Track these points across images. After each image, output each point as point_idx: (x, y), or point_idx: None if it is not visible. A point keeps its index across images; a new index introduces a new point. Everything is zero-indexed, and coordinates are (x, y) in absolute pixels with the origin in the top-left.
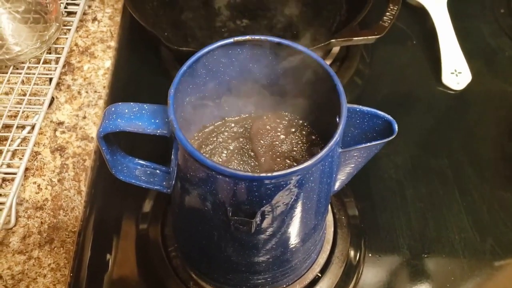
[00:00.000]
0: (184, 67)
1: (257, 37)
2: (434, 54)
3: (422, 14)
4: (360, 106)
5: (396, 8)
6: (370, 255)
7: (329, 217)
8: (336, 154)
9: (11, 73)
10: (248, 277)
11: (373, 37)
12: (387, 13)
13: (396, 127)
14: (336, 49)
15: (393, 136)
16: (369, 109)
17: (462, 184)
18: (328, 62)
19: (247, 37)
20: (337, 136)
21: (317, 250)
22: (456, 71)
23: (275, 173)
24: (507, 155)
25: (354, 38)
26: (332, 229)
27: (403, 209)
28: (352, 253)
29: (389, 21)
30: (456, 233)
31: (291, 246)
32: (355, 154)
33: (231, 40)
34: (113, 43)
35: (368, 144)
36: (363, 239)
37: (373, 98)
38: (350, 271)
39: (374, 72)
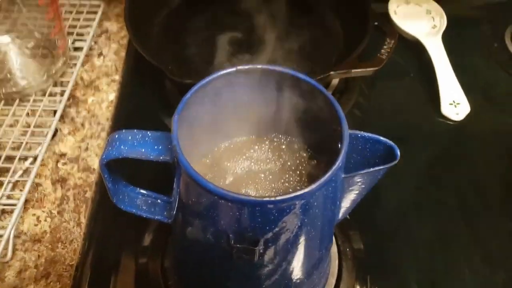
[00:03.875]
0: (188, 94)
1: (259, 66)
2: (432, 86)
3: (419, 48)
4: (362, 132)
5: (393, 42)
6: None
7: (334, 249)
8: (340, 180)
9: (17, 106)
10: None
11: (371, 69)
12: (385, 46)
13: (398, 152)
14: (335, 82)
15: (396, 162)
16: (370, 134)
17: (468, 215)
18: None
19: (249, 66)
20: (339, 161)
21: (322, 284)
22: (454, 102)
23: (278, 198)
24: (509, 186)
25: (352, 70)
26: (337, 262)
27: (409, 242)
28: (358, 287)
29: (386, 54)
30: (465, 266)
31: (296, 279)
32: (358, 180)
33: (234, 69)
34: (117, 77)
35: (371, 169)
36: (368, 273)
37: (373, 129)
38: None
39: (373, 104)
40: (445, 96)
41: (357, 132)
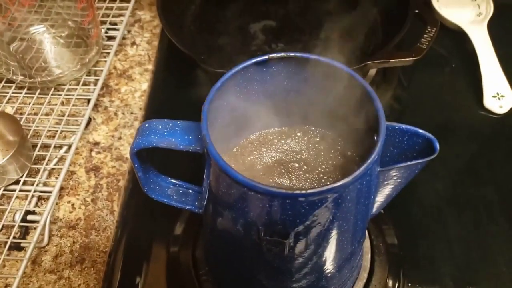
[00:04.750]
0: (219, 83)
1: (292, 54)
2: (474, 77)
3: (461, 37)
4: (399, 124)
5: (434, 30)
6: (409, 284)
7: (367, 243)
8: (375, 173)
9: (52, 95)
10: None
11: (411, 59)
12: (425, 35)
13: (437, 145)
14: (372, 72)
15: (435, 155)
16: (408, 127)
17: (507, 212)
18: None
19: (282, 54)
20: (375, 154)
21: (354, 278)
22: (498, 94)
23: (310, 191)
24: None
25: (391, 60)
26: (369, 255)
27: (445, 238)
28: (390, 282)
29: (427, 43)
30: (503, 264)
31: (327, 272)
32: (394, 174)
33: (266, 57)
34: (150, 66)
35: (408, 163)
36: (402, 268)
37: (412, 122)
38: None
39: (412, 96)
40: (489, 88)
41: (395, 124)
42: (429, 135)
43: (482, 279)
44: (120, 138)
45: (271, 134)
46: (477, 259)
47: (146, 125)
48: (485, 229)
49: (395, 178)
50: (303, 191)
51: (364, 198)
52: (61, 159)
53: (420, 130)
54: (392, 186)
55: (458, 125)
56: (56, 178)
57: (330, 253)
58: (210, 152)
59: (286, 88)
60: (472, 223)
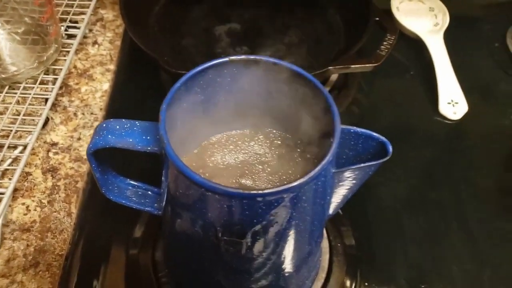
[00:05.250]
0: (178, 84)
1: (252, 57)
2: (431, 84)
3: (419, 45)
4: (355, 127)
5: (393, 38)
6: (366, 284)
7: (325, 244)
8: (330, 174)
9: (6, 93)
10: None
11: (370, 65)
12: (384, 43)
13: (390, 148)
14: (334, 77)
15: (387, 158)
16: (363, 130)
17: (460, 214)
18: (326, 89)
19: (243, 56)
20: (329, 156)
21: (312, 278)
22: (452, 101)
23: (266, 191)
24: (504, 187)
25: (351, 66)
26: (328, 256)
27: (400, 239)
28: (347, 282)
29: (386, 50)
30: (454, 264)
31: (285, 272)
32: (349, 176)
33: (226, 59)
34: (112, 66)
35: (362, 165)
36: (359, 269)
37: (371, 126)
38: None
39: (372, 101)
40: (444, 95)
41: (350, 127)
42: (383, 138)
43: (434, 278)
44: (79, 138)
45: (233, 136)
46: (430, 259)
47: (104, 125)
48: (438, 230)
49: (350, 179)
50: (260, 191)
51: (319, 199)
52: (16, 160)
53: (374, 134)
54: (348, 187)
55: (415, 129)
56: (10, 179)
57: (287, 253)
58: (168, 153)
59: (247, 90)
60: (426, 224)
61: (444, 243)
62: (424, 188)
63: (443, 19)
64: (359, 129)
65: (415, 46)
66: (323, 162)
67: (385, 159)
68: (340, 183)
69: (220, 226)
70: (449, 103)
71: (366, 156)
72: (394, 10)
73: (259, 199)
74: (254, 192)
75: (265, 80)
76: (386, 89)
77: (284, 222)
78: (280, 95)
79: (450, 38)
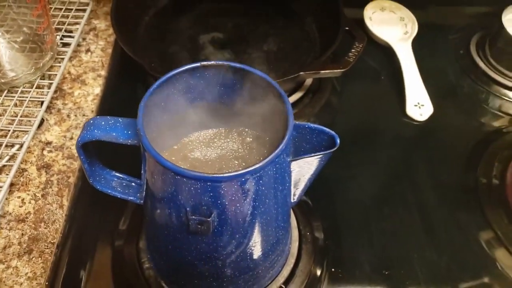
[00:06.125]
0: (155, 85)
1: (220, 62)
2: (399, 88)
3: (390, 52)
4: (309, 123)
5: (361, 46)
6: (333, 270)
7: (295, 233)
8: (286, 163)
9: (5, 96)
10: (213, 283)
11: (339, 70)
12: (353, 50)
13: (338, 141)
14: (308, 82)
15: (335, 148)
16: (316, 125)
17: (421, 207)
18: (301, 93)
19: (213, 62)
20: (282, 145)
21: (282, 263)
22: (419, 104)
23: (225, 174)
24: (463, 183)
25: (321, 71)
26: (297, 244)
27: (366, 229)
28: (315, 268)
29: (353, 57)
30: (415, 251)
31: (253, 253)
32: (305, 164)
33: (198, 64)
34: (103, 72)
35: (313, 154)
36: (326, 256)
37: (343, 127)
38: (313, 285)
39: (344, 103)
40: (411, 98)
41: (305, 123)
42: (332, 132)
43: (395, 264)
44: (71, 138)
45: (209, 134)
46: (393, 248)
47: (91, 121)
48: (401, 222)
49: (306, 167)
50: (220, 175)
51: (277, 184)
52: (13, 157)
53: (325, 128)
54: (305, 175)
55: (384, 130)
56: (7, 174)
57: (253, 235)
58: (144, 144)
59: (220, 93)
60: (391, 217)
61: (406, 233)
62: (390, 184)
63: (412, 27)
64: (312, 125)
65: (386, 53)
66: (276, 151)
67: (333, 150)
68: (298, 171)
69: (189, 207)
70: (415, 105)
71: (320, 148)
72: (367, 20)
73: (220, 182)
74: (215, 175)
75: (234, 83)
76: (358, 93)
77: (245, 203)
78: (247, 96)
79: (419, 45)
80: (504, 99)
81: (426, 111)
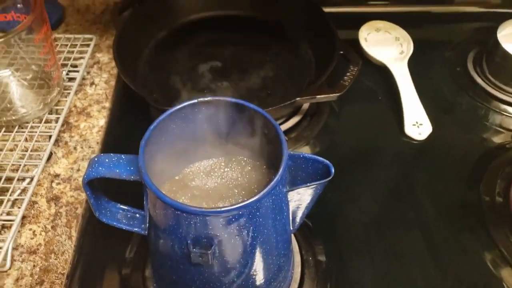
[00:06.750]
0: (155, 123)
1: (217, 98)
2: (397, 108)
3: (386, 72)
4: (303, 153)
5: (356, 69)
6: None
7: (297, 258)
8: (282, 193)
9: (16, 132)
10: None
11: (334, 94)
12: (348, 73)
13: (332, 170)
14: (306, 106)
15: (330, 178)
16: (310, 155)
17: (424, 227)
18: (299, 117)
19: (209, 98)
20: (277, 177)
21: None
22: (417, 123)
23: (223, 209)
24: (466, 202)
25: (317, 96)
26: (300, 269)
27: (368, 251)
28: None
29: (349, 81)
30: (418, 272)
31: (255, 282)
32: (302, 194)
33: (195, 101)
34: (107, 104)
35: (308, 184)
36: (329, 280)
37: (342, 149)
38: None
39: (342, 125)
40: (409, 117)
41: (300, 153)
42: (326, 161)
43: (399, 285)
44: (78, 170)
45: (209, 164)
46: (396, 269)
47: (95, 159)
48: (404, 243)
49: (303, 196)
50: (217, 209)
51: (275, 214)
52: (24, 190)
53: (320, 158)
54: (303, 204)
55: (383, 150)
56: (19, 207)
57: (254, 264)
58: (145, 180)
59: (218, 125)
60: (392, 238)
61: (409, 254)
62: (391, 204)
63: (408, 47)
64: (307, 155)
65: (382, 73)
66: (272, 184)
67: (328, 179)
68: (295, 201)
69: (190, 239)
70: (414, 124)
71: (315, 177)
72: (362, 41)
73: (218, 216)
74: (212, 210)
75: (230, 116)
76: (356, 114)
77: (244, 235)
78: (244, 127)
79: (415, 64)
80: (504, 114)
81: (425, 130)
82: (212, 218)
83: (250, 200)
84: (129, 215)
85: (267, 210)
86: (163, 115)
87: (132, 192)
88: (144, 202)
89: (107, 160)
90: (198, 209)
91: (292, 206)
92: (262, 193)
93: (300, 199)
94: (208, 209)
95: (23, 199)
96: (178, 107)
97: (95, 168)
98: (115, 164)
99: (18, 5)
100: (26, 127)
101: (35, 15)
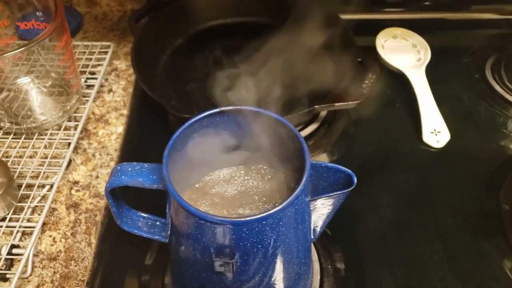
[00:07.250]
0: (178, 132)
1: (239, 107)
2: (415, 115)
3: (404, 79)
4: (325, 162)
5: (374, 77)
6: None
7: (316, 266)
8: (304, 203)
9: (36, 139)
10: None
11: (353, 102)
12: (366, 81)
13: (355, 179)
14: (323, 113)
15: (353, 187)
16: (332, 164)
17: (442, 235)
18: (316, 124)
19: (231, 107)
20: (301, 187)
21: None
22: (435, 131)
23: (247, 218)
24: (485, 210)
25: (335, 104)
26: (319, 277)
27: (387, 259)
28: None
29: (367, 88)
30: (437, 280)
31: None
32: (323, 203)
33: (217, 110)
34: (125, 111)
35: (331, 194)
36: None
37: (359, 156)
38: None
39: (360, 132)
40: (427, 125)
41: (321, 162)
42: (348, 171)
43: None
44: (97, 177)
45: (229, 172)
46: (414, 277)
47: (118, 168)
48: (422, 250)
49: (324, 206)
50: (241, 219)
51: (297, 223)
52: (44, 197)
53: (341, 167)
54: (324, 213)
55: (400, 158)
56: (39, 214)
57: (275, 273)
58: (169, 189)
59: (238, 134)
60: (411, 246)
61: (429, 262)
62: (410, 212)
63: (425, 54)
64: (329, 164)
65: (399, 80)
66: (295, 193)
67: (350, 189)
68: (317, 210)
69: (213, 249)
70: (432, 132)
71: (337, 186)
72: (379, 48)
73: (241, 225)
74: (237, 219)
75: (251, 124)
76: (373, 121)
77: (267, 244)
78: (264, 136)
79: (433, 71)
80: None
81: (443, 138)
82: (236, 227)
83: (274, 210)
84: (149, 223)
85: (290, 220)
86: (187, 123)
87: (150, 199)
88: (167, 210)
89: (129, 169)
90: (223, 219)
91: (313, 215)
92: (285, 202)
93: (322, 208)
94: (233, 219)
95: (43, 206)
96: (202, 115)
97: (118, 177)
98: (138, 173)
99: (38, 13)
100: (46, 134)
101: (57, 23)
